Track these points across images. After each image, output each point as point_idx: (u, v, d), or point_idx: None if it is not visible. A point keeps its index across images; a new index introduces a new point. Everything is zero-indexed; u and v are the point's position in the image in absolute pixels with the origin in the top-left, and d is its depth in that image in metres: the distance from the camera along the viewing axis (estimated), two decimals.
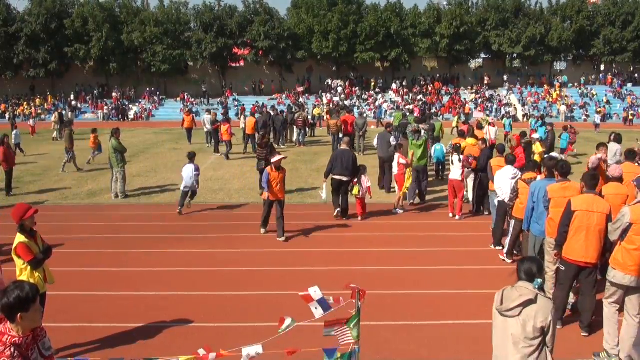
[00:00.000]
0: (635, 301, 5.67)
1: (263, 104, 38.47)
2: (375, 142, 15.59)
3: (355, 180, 11.60)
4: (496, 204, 9.83)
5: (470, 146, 12.75)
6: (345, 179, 11.56)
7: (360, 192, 11.62)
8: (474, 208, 12.32)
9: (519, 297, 3.83)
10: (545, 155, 11.23)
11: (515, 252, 9.07)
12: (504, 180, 9.32)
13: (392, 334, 6.39)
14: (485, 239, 10.08)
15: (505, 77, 49.86)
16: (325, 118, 31.33)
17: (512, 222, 8.77)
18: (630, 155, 8.82)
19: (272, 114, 24.43)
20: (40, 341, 3.38)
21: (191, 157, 12.67)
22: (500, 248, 9.45)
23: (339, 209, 11.76)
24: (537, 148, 14.56)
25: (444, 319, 6.74)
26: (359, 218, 11.84)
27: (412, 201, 13.06)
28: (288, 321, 3.92)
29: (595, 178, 6.42)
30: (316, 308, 4.06)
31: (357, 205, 11.89)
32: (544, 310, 3.79)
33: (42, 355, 3.37)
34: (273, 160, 10.25)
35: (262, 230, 10.65)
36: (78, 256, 9.26)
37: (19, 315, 3.18)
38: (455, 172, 11.77)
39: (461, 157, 11.83)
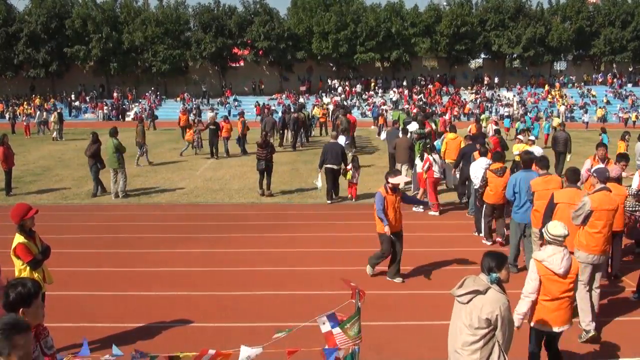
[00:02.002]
0: (597, 276, 6.48)
1: (264, 104, 38.47)
2: (382, 137, 17.32)
3: (349, 167, 13.21)
4: (472, 191, 10.91)
5: (451, 140, 13.62)
6: (335, 167, 13.16)
7: (354, 179, 13.34)
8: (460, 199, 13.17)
9: (472, 286, 4.05)
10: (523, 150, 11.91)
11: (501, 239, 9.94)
12: (478, 170, 10.21)
13: (392, 334, 6.39)
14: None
15: (496, 80, 49.75)
16: (319, 119, 31.27)
17: (483, 207, 9.73)
18: (619, 158, 9.02)
19: (286, 114, 24.11)
20: (43, 339, 3.42)
21: (343, 131, 17.85)
22: (483, 235, 10.19)
23: (334, 197, 13.49)
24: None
25: (444, 319, 6.72)
26: (352, 200, 13.44)
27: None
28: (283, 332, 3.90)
29: (576, 173, 7.05)
30: (324, 324, 4.04)
31: (348, 188, 13.63)
32: (492, 303, 3.94)
33: (43, 353, 3.39)
34: (392, 180, 7.80)
35: (399, 279, 8.09)
36: (78, 256, 9.25)
37: (20, 310, 3.21)
38: (435, 170, 12.22)
39: (436, 157, 12.28)
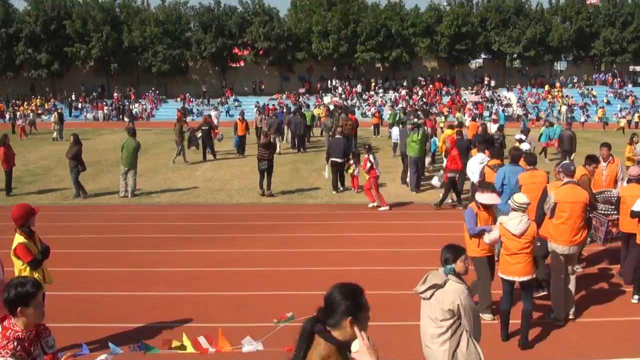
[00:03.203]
0: (569, 264, 6.81)
1: (264, 104, 38.39)
2: (393, 136, 18.81)
3: (351, 162, 14.23)
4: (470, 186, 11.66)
5: (448, 137, 15.12)
6: (340, 160, 14.40)
7: (355, 172, 14.26)
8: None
9: (431, 281, 4.16)
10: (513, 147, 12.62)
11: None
12: (474, 165, 10.88)
13: (392, 334, 6.39)
14: None
15: (492, 82, 49.67)
16: (320, 118, 31.21)
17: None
18: (588, 160, 8.82)
19: (292, 114, 23.72)
20: (44, 339, 3.45)
21: (397, 124, 19.70)
22: None
23: (340, 188, 14.72)
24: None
25: None
26: (355, 190, 14.52)
27: (415, 191, 14.52)
28: (288, 315, 3.93)
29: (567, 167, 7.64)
30: None
31: (351, 181, 14.72)
32: (452, 294, 4.05)
33: (44, 352, 3.42)
34: (483, 199, 6.50)
35: (490, 316, 6.70)
36: (78, 256, 9.25)
37: (18, 309, 3.24)
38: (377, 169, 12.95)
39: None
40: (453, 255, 4.25)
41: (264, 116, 25.56)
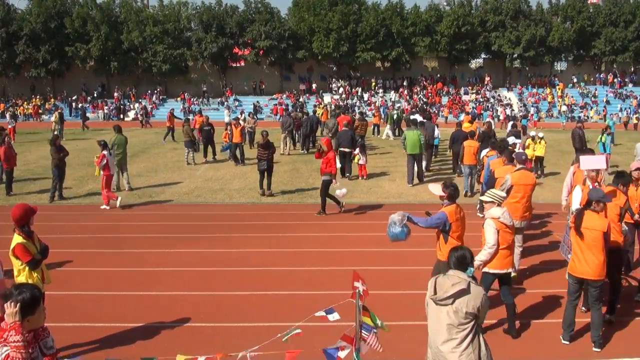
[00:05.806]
0: (519, 236, 8.00)
1: (260, 104, 38.31)
2: (401, 138, 20.38)
3: (356, 152, 15.76)
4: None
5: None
6: (347, 150, 15.89)
7: (360, 160, 15.87)
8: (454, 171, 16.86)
9: (451, 286, 4.02)
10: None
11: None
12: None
13: (392, 334, 6.37)
14: None
15: (487, 80, 49.64)
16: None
17: (480, 186, 11.55)
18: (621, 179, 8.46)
19: (300, 116, 23.48)
20: (42, 340, 3.43)
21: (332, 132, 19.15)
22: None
23: (347, 174, 16.16)
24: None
25: None
26: (363, 178, 16.09)
27: (411, 184, 15.26)
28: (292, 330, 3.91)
29: (511, 155, 9.13)
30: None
31: (359, 169, 16.25)
32: (476, 297, 4.02)
33: (43, 354, 3.41)
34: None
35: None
36: (78, 256, 9.25)
37: (26, 319, 3.28)
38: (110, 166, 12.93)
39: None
40: (471, 256, 4.19)
41: (255, 119, 25.37)
